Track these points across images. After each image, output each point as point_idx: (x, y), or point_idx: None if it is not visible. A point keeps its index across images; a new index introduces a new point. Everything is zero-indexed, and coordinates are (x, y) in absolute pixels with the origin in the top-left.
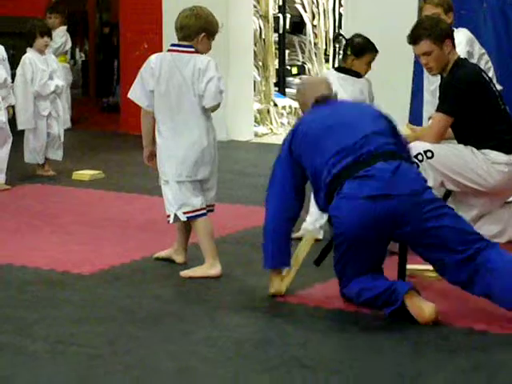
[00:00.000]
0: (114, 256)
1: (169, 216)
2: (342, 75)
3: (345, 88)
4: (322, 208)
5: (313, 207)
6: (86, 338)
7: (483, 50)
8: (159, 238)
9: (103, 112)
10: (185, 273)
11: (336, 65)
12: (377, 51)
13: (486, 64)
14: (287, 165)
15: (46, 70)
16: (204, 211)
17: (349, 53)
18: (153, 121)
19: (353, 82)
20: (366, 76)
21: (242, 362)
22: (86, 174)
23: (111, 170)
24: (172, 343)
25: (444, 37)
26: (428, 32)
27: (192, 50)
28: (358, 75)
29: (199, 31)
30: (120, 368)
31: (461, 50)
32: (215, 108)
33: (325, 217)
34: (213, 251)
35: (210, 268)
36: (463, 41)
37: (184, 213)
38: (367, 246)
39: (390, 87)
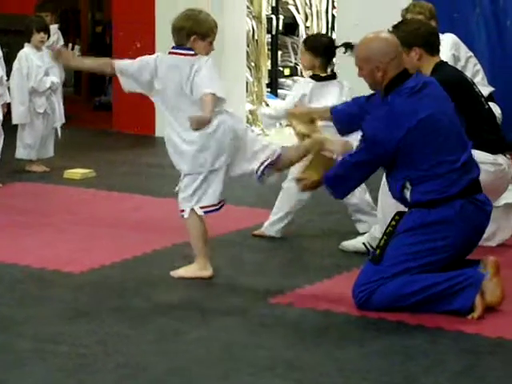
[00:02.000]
0: (105, 255)
1: (183, 211)
2: (321, 83)
3: (326, 96)
4: (399, 197)
5: (278, 212)
6: (75, 337)
7: (470, 53)
8: (150, 238)
9: (95, 110)
10: (176, 272)
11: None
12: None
13: (475, 66)
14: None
15: (42, 66)
16: (217, 206)
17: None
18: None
19: (332, 84)
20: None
21: (231, 362)
22: (77, 172)
23: (103, 169)
24: (162, 343)
25: (414, 44)
26: (400, 35)
27: (191, 52)
28: (335, 76)
29: (189, 34)
30: (110, 367)
31: (444, 53)
32: (212, 100)
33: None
34: (205, 252)
35: (202, 269)
36: (447, 45)
37: (201, 207)
38: (462, 256)
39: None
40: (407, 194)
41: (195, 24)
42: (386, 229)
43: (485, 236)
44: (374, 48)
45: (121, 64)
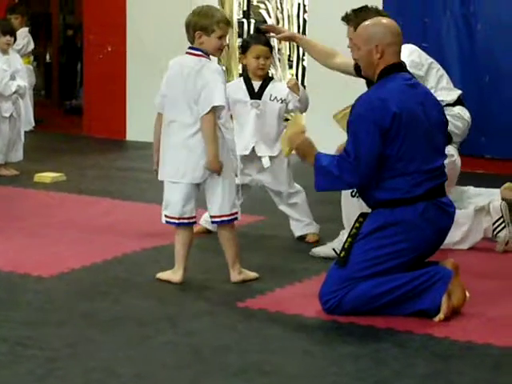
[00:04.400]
0: (75, 259)
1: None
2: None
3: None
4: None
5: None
6: (45, 341)
7: (431, 59)
8: (120, 242)
9: (66, 114)
10: (158, 274)
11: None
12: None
13: (438, 72)
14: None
15: (8, 69)
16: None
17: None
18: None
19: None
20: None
21: (200, 367)
22: (47, 176)
23: (73, 173)
24: (131, 348)
25: None
26: (357, 22)
27: (198, 52)
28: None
29: (194, 30)
30: (79, 371)
31: (404, 60)
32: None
33: None
34: (180, 258)
35: (174, 273)
36: (406, 53)
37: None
38: (421, 259)
39: (351, 92)
40: (373, 190)
41: (200, 18)
42: (351, 231)
43: (456, 239)
44: (377, 29)
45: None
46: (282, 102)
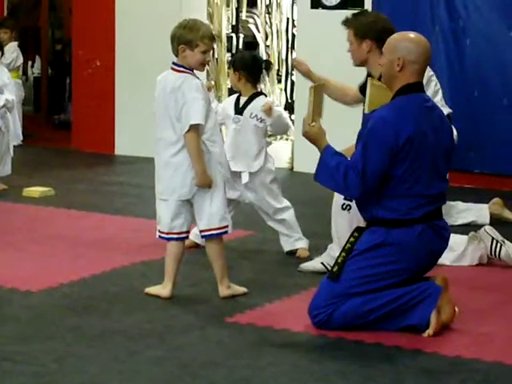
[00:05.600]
0: (63, 273)
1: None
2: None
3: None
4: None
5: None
6: (33, 356)
7: (432, 72)
8: (109, 256)
9: (55, 129)
10: (147, 289)
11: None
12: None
13: (436, 86)
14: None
15: None
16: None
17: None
18: None
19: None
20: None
21: (189, 382)
22: (36, 190)
23: (62, 187)
24: (120, 362)
25: (367, 36)
26: (355, 25)
27: (180, 68)
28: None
29: (178, 43)
30: None
31: None
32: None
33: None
34: (170, 273)
35: (162, 288)
36: None
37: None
38: (415, 278)
39: (340, 108)
40: (372, 206)
41: (183, 31)
42: (345, 245)
43: (454, 259)
44: (406, 43)
45: None
46: (261, 122)
